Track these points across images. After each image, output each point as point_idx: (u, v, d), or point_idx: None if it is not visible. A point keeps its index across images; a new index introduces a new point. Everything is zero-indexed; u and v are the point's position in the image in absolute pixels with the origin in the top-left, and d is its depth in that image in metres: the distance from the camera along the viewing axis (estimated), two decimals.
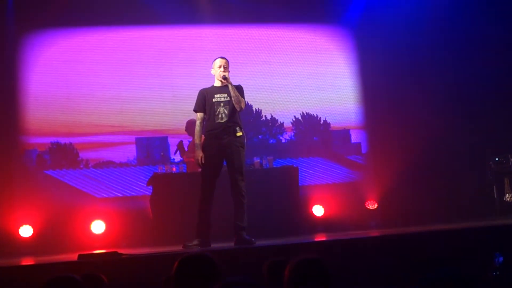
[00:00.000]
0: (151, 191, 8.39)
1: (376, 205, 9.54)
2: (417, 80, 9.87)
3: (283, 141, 10.13)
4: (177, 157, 9.10)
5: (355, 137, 10.32)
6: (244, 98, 6.42)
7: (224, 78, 6.38)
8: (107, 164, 9.42)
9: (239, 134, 6.36)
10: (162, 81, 9.64)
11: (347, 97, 10.25)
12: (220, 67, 6.44)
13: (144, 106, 9.52)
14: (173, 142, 9.37)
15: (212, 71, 6.52)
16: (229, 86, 6.34)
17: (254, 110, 10.09)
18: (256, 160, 8.52)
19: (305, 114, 10.20)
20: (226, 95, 6.38)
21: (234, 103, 6.31)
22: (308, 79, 10.16)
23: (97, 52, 9.61)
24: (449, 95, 9.78)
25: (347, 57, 10.30)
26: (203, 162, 6.29)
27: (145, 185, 8.72)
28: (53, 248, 7.87)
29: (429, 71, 9.85)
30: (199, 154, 6.30)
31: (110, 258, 5.45)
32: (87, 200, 9.09)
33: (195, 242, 6.21)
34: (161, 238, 7.68)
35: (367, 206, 9.55)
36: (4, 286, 4.23)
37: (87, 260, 5.36)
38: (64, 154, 9.41)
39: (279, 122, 10.15)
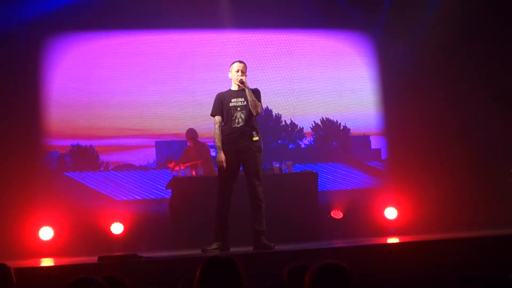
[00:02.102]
0: (170, 194, 8.41)
1: (395, 213, 9.44)
2: (438, 86, 9.82)
3: (303, 146, 10.12)
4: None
5: (375, 143, 10.28)
6: (260, 102, 6.40)
7: (241, 82, 6.36)
8: (127, 167, 9.47)
9: (256, 138, 6.33)
10: (183, 85, 9.68)
11: (367, 102, 10.21)
12: (238, 71, 6.42)
13: (164, 110, 9.57)
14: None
15: (230, 75, 6.52)
16: (246, 90, 6.32)
17: (274, 115, 10.09)
18: (276, 165, 8.51)
19: (325, 119, 10.18)
20: (243, 99, 6.37)
21: (250, 107, 6.29)
22: (328, 84, 10.14)
23: (118, 55, 9.67)
24: (470, 100, 9.71)
25: (368, 63, 10.27)
26: (225, 165, 6.28)
27: (164, 188, 8.75)
28: (73, 249, 7.93)
29: (450, 76, 9.79)
30: (221, 157, 6.30)
31: (130, 261, 5.47)
32: (107, 202, 9.14)
33: (214, 246, 6.21)
34: (180, 241, 7.69)
35: (385, 215, 9.47)
36: (25, 287, 4.26)
37: (107, 262, 5.38)
38: (84, 156, 9.48)
39: (298, 127, 10.14)
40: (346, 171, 10.05)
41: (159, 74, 9.66)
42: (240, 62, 6.49)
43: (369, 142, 10.29)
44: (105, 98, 9.52)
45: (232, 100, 6.40)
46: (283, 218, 7.93)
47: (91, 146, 9.49)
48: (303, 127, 10.15)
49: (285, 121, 10.13)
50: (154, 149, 9.58)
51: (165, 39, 9.81)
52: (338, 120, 10.21)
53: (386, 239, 7.58)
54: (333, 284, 2.74)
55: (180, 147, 9.56)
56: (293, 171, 8.70)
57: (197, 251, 6.24)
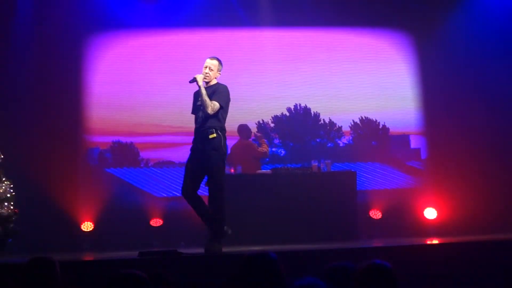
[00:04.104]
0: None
1: (435, 214, 9.38)
2: (479, 86, 9.70)
3: (341, 145, 10.08)
4: None
5: (414, 142, 10.19)
6: (222, 100, 6.08)
7: (192, 80, 6.14)
8: (167, 164, 9.57)
9: (212, 136, 6.04)
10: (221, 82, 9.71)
11: (407, 102, 10.13)
12: (205, 67, 6.21)
13: None
14: (230, 144, 9.41)
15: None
16: (199, 89, 6.07)
17: (312, 113, 10.08)
18: (314, 164, 8.49)
19: (364, 118, 10.12)
20: None
21: (202, 107, 6.06)
22: (368, 83, 10.08)
23: (158, 52, 9.77)
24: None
25: (408, 61, 10.18)
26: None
27: (203, 185, 8.79)
28: (113, 244, 8.05)
29: (491, 76, 9.65)
30: None
31: (170, 257, 5.53)
32: (147, 198, 9.26)
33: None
34: None
35: (425, 216, 9.40)
36: (68, 281, 4.36)
37: (147, 258, 5.46)
38: (125, 153, 9.61)
39: (337, 125, 10.10)
40: (385, 170, 9.98)
41: (199, 71, 9.69)
42: (212, 58, 6.26)
43: (409, 141, 10.20)
44: (146, 95, 9.64)
45: (199, 99, 6.19)
46: (321, 217, 7.94)
47: (131, 143, 9.62)
48: (341, 126, 10.11)
49: (323, 119, 10.10)
50: None
51: (205, 35, 9.84)
52: (377, 119, 10.15)
53: (426, 240, 7.52)
54: (380, 284, 2.74)
55: None
56: (332, 170, 8.68)
57: (234, 248, 6.28)
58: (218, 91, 6.14)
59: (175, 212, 8.96)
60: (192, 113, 6.32)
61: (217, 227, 6.12)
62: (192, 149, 6.23)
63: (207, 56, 6.37)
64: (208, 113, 6.03)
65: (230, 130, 9.29)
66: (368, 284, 2.74)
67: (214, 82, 6.25)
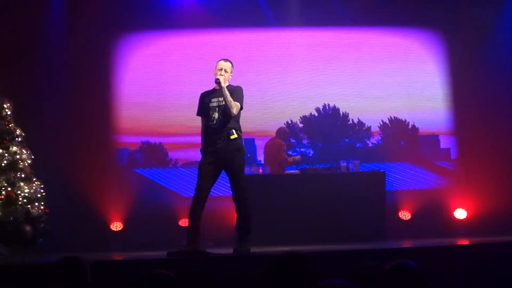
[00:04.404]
0: None
1: (465, 214, 9.29)
2: (509, 86, 9.58)
3: (370, 145, 10.04)
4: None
5: (444, 143, 10.10)
6: (241, 101, 6.09)
7: (217, 81, 6.12)
8: (195, 164, 9.58)
9: (234, 136, 6.01)
10: (251, 84, 9.73)
11: (437, 102, 10.05)
12: (221, 69, 6.15)
13: None
14: (260, 144, 9.43)
15: (214, 72, 6.24)
16: (223, 90, 6.04)
17: (341, 113, 10.04)
18: (343, 164, 8.46)
19: (393, 118, 10.06)
20: (222, 99, 6.09)
21: (226, 108, 6.03)
22: (397, 83, 10.02)
23: (188, 52, 9.82)
24: None
25: (438, 62, 10.10)
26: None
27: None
28: (142, 244, 8.11)
29: None
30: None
31: (199, 257, 5.56)
32: (176, 199, 9.31)
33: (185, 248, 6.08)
34: None
35: (455, 216, 9.32)
36: (97, 280, 4.40)
37: (176, 258, 5.48)
38: (154, 153, 9.68)
39: (366, 126, 10.05)
40: (415, 170, 9.91)
41: None
42: (225, 60, 6.24)
43: (438, 141, 10.11)
44: (175, 95, 9.69)
45: (212, 100, 6.16)
46: (349, 217, 7.91)
47: (160, 143, 9.68)
48: (370, 126, 10.07)
49: (352, 119, 10.06)
50: None
51: (234, 37, 9.89)
52: (406, 119, 10.08)
53: (456, 241, 7.45)
54: (405, 284, 2.72)
55: (248, 144, 9.62)
56: (361, 170, 8.64)
57: (262, 249, 6.28)
58: (236, 92, 6.14)
59: (203, 212, 8.98)
60: (198, 114, 6.27)
61: (246, 227, 6.12)
62: (207, 151, 6.16)
63: (236, 56, 6.37)
64: (230, 114, 6.01)
65: (260, 130, 9.44)
66: (394, 284, 2.72)
67: (227, 84, 6.21)
